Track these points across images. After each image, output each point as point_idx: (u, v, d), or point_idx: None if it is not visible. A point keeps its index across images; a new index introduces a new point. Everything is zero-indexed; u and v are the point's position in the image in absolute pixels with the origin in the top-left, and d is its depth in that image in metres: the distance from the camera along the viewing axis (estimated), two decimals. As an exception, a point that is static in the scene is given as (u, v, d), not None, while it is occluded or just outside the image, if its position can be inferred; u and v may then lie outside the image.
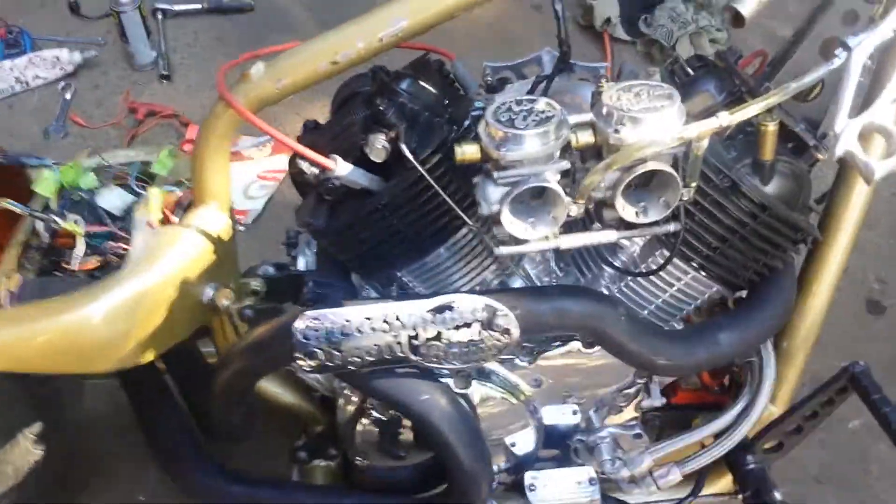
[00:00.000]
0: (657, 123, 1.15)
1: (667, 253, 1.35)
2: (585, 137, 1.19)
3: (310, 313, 1.27)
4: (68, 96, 2.96)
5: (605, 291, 1.43)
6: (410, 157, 1.29)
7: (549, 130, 1.16)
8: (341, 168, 1.34)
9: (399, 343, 1.28)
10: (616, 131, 1.15)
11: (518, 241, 1.25)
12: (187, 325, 1.50)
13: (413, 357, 1.29)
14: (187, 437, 1.65)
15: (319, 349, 1.27)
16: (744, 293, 1.47)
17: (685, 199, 1.23)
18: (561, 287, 1.41)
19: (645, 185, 1.24)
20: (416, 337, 1.27)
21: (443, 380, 1.42)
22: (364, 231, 1.38)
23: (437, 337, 1.28)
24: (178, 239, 1.45)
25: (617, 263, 1.41)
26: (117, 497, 2.08)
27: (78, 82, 3.05)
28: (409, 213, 1.35)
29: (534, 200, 1.24)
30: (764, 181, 1.31)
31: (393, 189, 1.34)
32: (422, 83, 1.42)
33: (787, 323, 1.51)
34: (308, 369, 1.29)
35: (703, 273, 1.39)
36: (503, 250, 1.25)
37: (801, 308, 1.51)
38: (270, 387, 1.73)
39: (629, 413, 1.63)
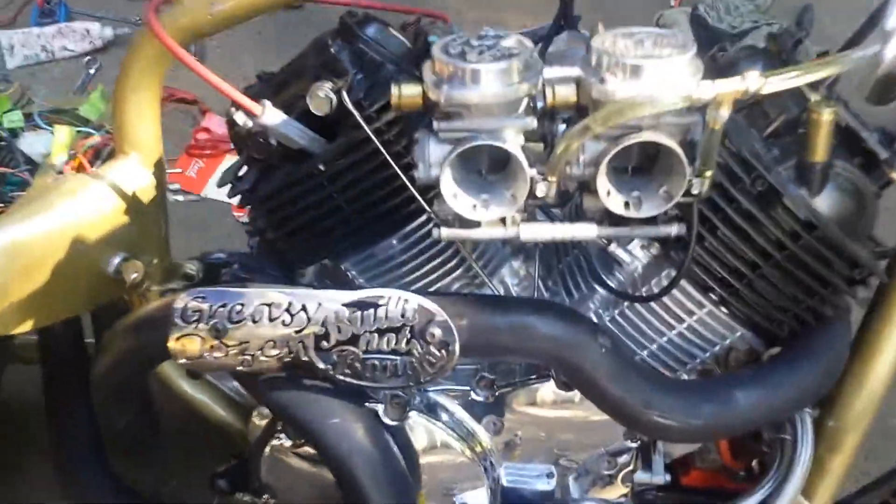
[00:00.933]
0: (659, 76, 0.84)
1: (675, 274, 1.02)
2: (564, 92, 0.88)
3: (195, 291, 1.00)
4: (92, 71, 2.82)
5: (594, 319, 1.10)
6: (353, 109, 1.02)
7: (511, 69, 0.86)
8: (270, 116, 1.08)
9: (302, 343, 0.98)
10: (602, 81, 0.84)
11: (466, 224, 0.94)
12: (84, 297, 1.25)
13: (320, 364, 0.99)
14: (87, 437, 1.37)
15: (199, 335, 0.98)
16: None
17: (696, 193, 0.91)
18: (528, 300, 1.10)
19: (645, 171, 0.93)
20: (325, 336, 0.98)
21: (371, 404, 1.11)
22: (296, 202, 1.11)
23: (353, 340, 0.98)
24: (80, 189, 1.21)
25: (612, 283, 1.09)
26: (38, 498, 1.80)
27: (105, 58, 2.91)
28: (352, 184, 1.09)
29: (493, 174, 0.94)
30: (812, 191, 0.98)
31: (334, 151, 1.07)
32: (393, 32, 1.15)
33: (834, 393, 1.17)
34: (185, 361, 1.00)
35: (724, 309, 1.07)
36: (444, 233, 0.95)
37: (855, 376, 1.15)
38: (198, 395, 1.46)
39: (621, 488, 1.28)
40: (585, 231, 0.95)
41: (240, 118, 1.12)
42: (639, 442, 1.19)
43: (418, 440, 1.15)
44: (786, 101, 1.03)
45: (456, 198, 0.90)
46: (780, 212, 0.98)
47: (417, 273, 1.14)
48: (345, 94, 1.02)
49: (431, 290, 1.14)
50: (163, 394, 1.49)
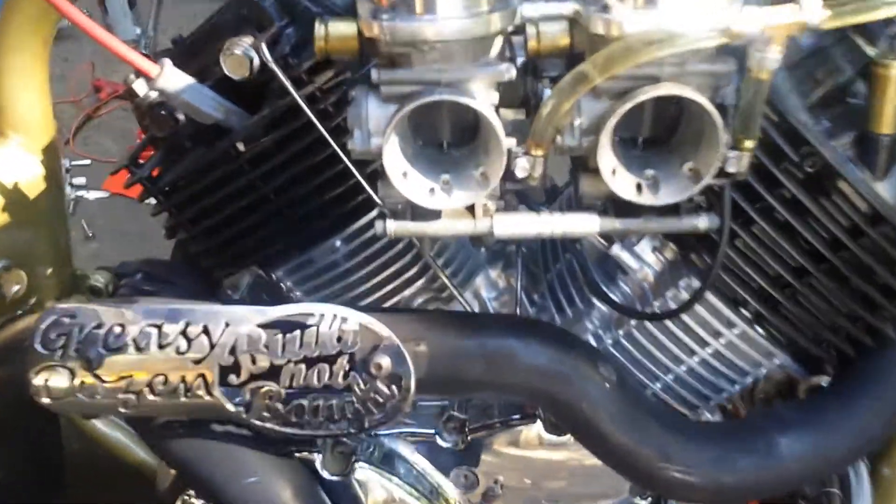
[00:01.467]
0: (684, 2, 0.60)
1: (698, 284, 0.79)
2: (553, 31, 0.64)
3: (61, 307, 0.75)
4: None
5: (592, 342, 0.89)
6: (276, 68, 0.78)
7: (479, -4, 0.62)
8: (171, 79, 0.84)
9: (203, 376, 0.73)
10: (605, 9, 0.60)
11: (421, 215, 0.70)
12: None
13: (229, 405, 0.75)
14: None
15: (65, 367, 0.74)
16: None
17: (732, 172, 0.67)
18: (507, 319, 0.87)
19: (663, 143, 0.69)
20: (233, 368, 0.74)
21: (307, 454, 0.87)
22: (210, 192, 0.90)
23: (272, 374, 0.74)
24: (-54, 182, 0.97)
25: (615, 296, 0.86)
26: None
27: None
28: (280, 168, 0.87)
29: (458, 148, 0.70)
30: (877, 173, 0.77)
31: (256, 125, 0.85)
32: (339, -22, 0.91)
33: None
34: (48, 402, 0.75)
35: (760, 329, 0.87)
36: (391, 227, 0.71)
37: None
38: (110, 433, 1.21)
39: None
40: (583, 224, 0.71)
41: (140, 87, 0.89)
42: (649, 499, 0.95)
43: (369, 499, 0.94)
44: (837, 60, 0.81)
45: (406, 178, 0.66)
46: (836, 200, 0.79)
47: (368, 284, 0.93)
48: (265, 48, 0.78)
49: (386, 306, 0.90)
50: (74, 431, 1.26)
